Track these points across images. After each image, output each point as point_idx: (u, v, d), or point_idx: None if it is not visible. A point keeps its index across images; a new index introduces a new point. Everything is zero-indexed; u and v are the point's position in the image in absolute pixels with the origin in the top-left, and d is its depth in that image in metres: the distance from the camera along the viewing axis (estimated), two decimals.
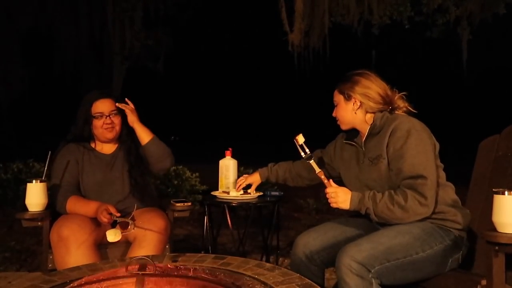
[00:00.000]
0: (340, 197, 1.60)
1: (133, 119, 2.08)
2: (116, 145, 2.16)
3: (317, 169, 1.70)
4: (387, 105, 1.70)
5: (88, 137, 2.12)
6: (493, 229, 1.44)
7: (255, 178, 2.28)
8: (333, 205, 1.62)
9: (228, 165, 2.47)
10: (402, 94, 1.74)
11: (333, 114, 1.81)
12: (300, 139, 1.76)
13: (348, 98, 1.72)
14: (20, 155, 5.64)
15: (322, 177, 1.68)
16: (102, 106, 2.06)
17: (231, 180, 2.44)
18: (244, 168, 5.88)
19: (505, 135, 1.86)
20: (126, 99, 2.12)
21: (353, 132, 1.81)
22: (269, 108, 18.88)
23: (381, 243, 1.51)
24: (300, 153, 1.76)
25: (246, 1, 10.14)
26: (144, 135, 2.09)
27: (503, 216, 1.41)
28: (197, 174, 5.42)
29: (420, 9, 7.23)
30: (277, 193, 2.48)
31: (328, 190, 1.63)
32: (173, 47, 9.70)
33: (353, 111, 1.72)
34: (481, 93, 13.84)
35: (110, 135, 2.07)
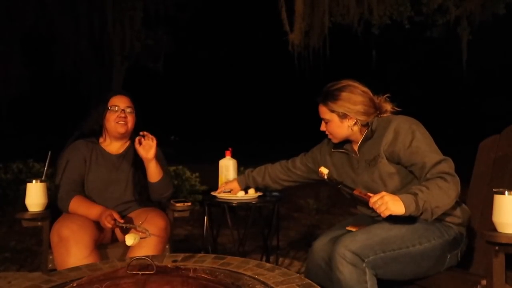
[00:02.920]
0: (389, 201, 1.44)
1: (152, 156, 2.02)
2: (125, 146, 2.16)
3: (352, 190, 1.66)
4: (376, 110, 1.72)
5: (98, 131, 2.12)
6: (493, 229, 1.44)
7: (234, 185, 2.28)
8: (386, 212, 1.44)
9: (228, 165, 2.47)
10: (386, 96, 1.75)
11: (323, 129, 1.78)
12: (324, 171, 1.75)
13: (343, 116, 1.70)
14: (20, 155, 5.64)
15: (360, 194, 1.60)
16: (119, 100, 2.08)
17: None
18: (244, 168, 5.87)
19: (505, 135, 1.87)
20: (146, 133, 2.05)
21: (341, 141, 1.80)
22: (269, 108, 18.88)
23: (377, 234, 1.53)
24: (331, 184, 1.76)
25: (246, 1, 10.14)
26: (155, 175, 2.07)
27: (503, 216, 1.41)
28: (197, 174, 5.42)
29: (420, 9, 7.23)
30: (277, 193, 2.48)
31: (372, 199, 1.48)
32: (173, 47, 9.70)
33: (349, 128, 1.71)
34: (481, 93, 13.84)
35: (122, 129, 2.06)
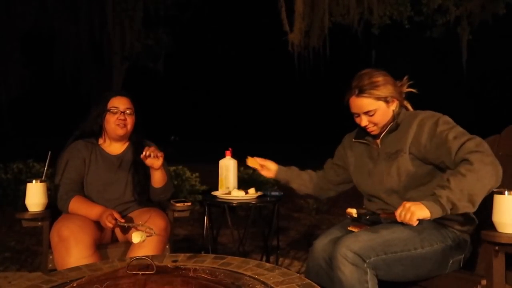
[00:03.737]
0: (411, 207, 1.42)
1: (158, 166, 1.99)
2: (124, 147, 2.16)
3: (379, 215, 1.63)
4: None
5: (98, 132, 2.12)
6: (493, 229, 1.44)
7: (272, 165, 2.02)
8: (412, 217, 1.41)
9: (228, 165, 2.47)
10: (406, 79, 1.75)
11: (365, 124, 1.68)
12: (352, 210, 1.67)
13: (389, 101, 1.66)
14: (20, 155, 5.64)
15: (387, 215, 1.58)
16: (118, 102, 2.07)
17: (231, 180, 2.44)
18: (244, 168, 5.88)
19: (505, 135, 1.86)
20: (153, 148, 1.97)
21: (362, 131, 1.77)
22: (269, 108, 18.88)
23: (379, 236, 1.52)
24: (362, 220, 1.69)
25: (246, 1, 10.15)
26: (159, 181, 2.06)
27: (503, 216, 1.41)
28: (197, 174, 5.42)
29: (420, 9, 7.24)
30: (277, 193, 2.47)
31: (397, 213, 1.46)
32: (173, 47, 9.70)
33: (392, 112, 1.68)
34: (481, 93, 13.84)
35: (121, 131, 2.06)
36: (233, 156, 2.51)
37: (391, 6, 7.19)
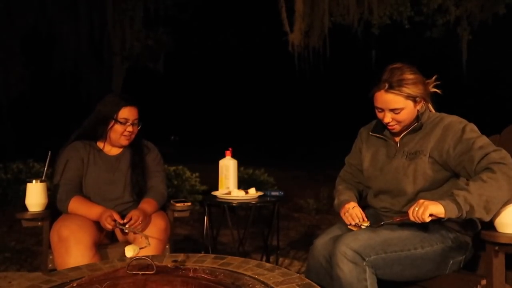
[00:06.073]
0: (425, 203, 1.40)
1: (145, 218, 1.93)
2: (122, 147, 2.16)
3: (395, 220, 1.58)
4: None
5: (99, 136, 2.10)
6: (493, 229, 1.44)
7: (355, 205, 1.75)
8: (425, 212, 1.38)
9: (228, 165, 2.48)
10: (434, 79, 1.71)
11: (388, 120, 1.62)
12: (365, 223, 1.63)
13: (417, 100, 1.61)
14: (20, 155, 5.64)
15: (401, 218, 1.54)
16: (130, 113, 2.04)
17: (231, 180, 2.45)
18: (244, 168, 5.89)
19: (505, 135, 1.86)
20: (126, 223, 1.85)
21: (380, 125, 1.74)
22: (269, 108, 18.88)
23: (379, 235, 1.52)
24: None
25: (246, 1, 10.15)
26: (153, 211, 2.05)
27: (503, 216, 1.42)
28: (197, 174, 5.43)
29: (420, 9, 7.25)
30: (277, 193, 2.48)
31: (410, 210, 1.44)
32: (173, 47, 9.70)
33: (417, 111, 1.64)
34: (481, 94, 13.85)
35: (126, 142, 2.08)
36: (233, 156, 2.51)
37: (391, 6, 7.20)
